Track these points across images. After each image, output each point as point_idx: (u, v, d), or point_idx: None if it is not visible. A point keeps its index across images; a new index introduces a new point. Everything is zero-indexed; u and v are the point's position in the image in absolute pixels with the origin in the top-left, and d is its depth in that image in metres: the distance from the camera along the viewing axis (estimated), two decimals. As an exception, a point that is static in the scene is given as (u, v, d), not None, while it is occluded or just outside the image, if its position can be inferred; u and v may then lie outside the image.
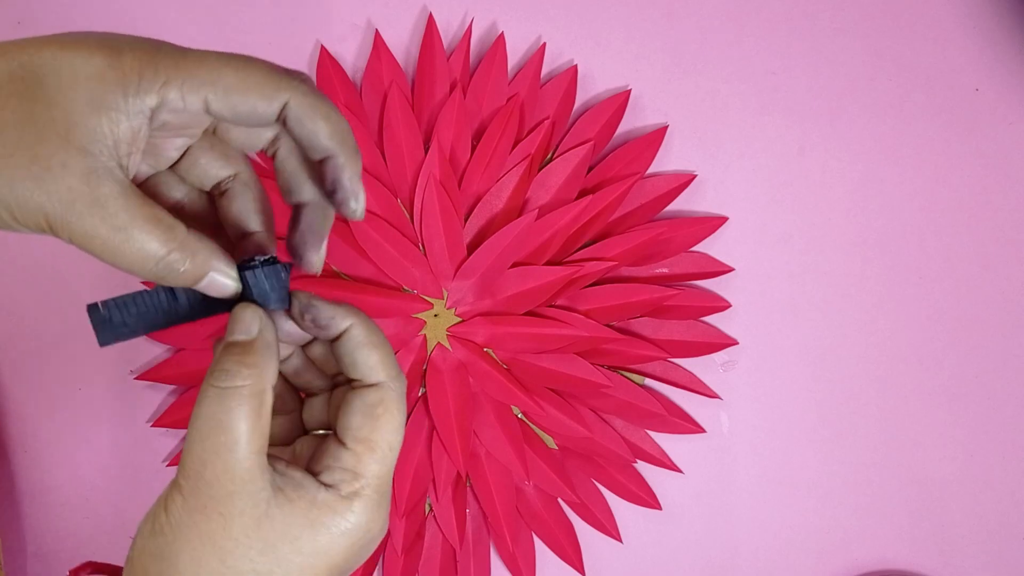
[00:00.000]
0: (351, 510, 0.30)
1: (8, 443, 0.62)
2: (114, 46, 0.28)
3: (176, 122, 0.29)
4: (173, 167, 0.33)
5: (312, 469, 0.31)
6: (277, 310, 0.32)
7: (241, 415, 0.28)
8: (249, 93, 0.29)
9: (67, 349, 0.62)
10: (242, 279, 0.31)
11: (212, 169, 0.33)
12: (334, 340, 0.32)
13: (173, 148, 0.32)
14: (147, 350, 0.62)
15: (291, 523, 0.29)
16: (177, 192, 0.33)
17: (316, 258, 0.33)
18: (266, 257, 0.32)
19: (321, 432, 0.35)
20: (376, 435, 0.30)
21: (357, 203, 0.32)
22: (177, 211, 0.33)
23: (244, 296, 0.31)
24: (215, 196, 0.34)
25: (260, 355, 0.30)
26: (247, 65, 0.29)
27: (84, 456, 0.62)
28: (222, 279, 0.31)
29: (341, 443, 0.30)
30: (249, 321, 0.30)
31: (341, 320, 0.32)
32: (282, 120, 0.30)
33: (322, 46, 0.61)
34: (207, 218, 0.34)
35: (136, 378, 0.61)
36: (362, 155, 0.60)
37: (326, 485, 0.30)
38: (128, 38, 0.28)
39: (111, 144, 0.27)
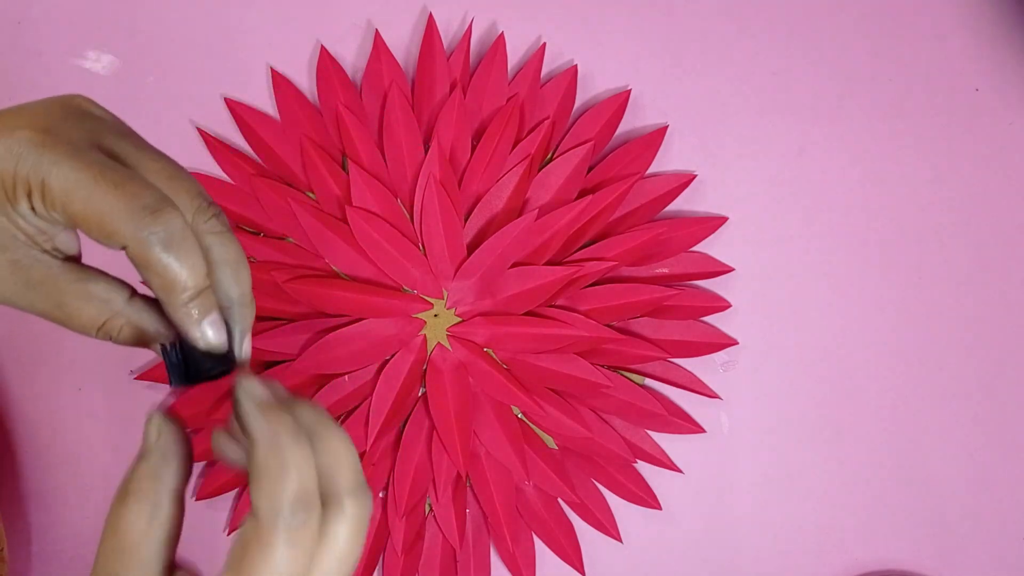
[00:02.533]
0: None
1: (9, 443, 0.62)
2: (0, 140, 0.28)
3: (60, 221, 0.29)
4: None
5: None
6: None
7: (132, 522, 0.28)
8: (90, 227, 0.29)
9: (67, 349, 0.62)
10: (166, 349, 0.31)
11: None
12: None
13: None
14: (147, 350, 0.62)
15: None
16: None
17: (238, 351, 0.33)
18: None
19: None
20: (237, 566, 0.28)
21: (206, 340, 0.31)
22: None
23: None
24: None
25: (156, 465, 0.29)
26: (98, 197, 0.28)
27: (84, 456, 0.62)
28: (161, 343, 0.32)
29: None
30: (150, 432, 0.30)
31: (252, 430, 0.29)
32: None
33: (322, 46, 0.61)
34: None
35: (136, 378, 0.61)
36: (362, 155, 0.60)
37: None
38: (15, 130, 0.28)
39: (24, 237, 0.29)
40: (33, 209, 0.29)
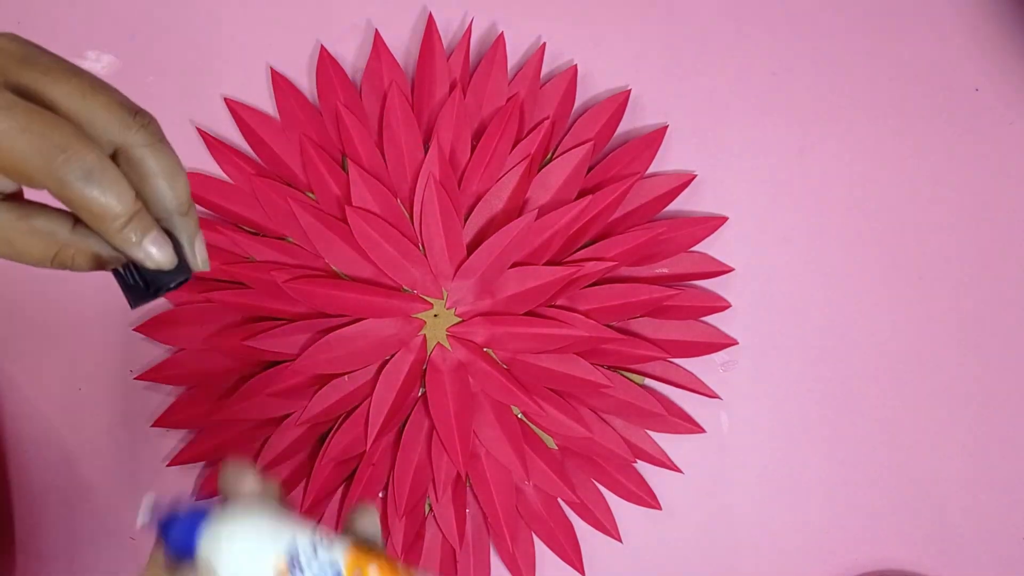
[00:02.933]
0: None
1: (9, 443, 0.62)
2: None
3: None
4: None
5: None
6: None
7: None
8: (9, 174, 0.28)
9: (67, 349, 0.62)
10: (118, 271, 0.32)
11: None
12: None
13: None
14: (147, 350, 0.62)
15: None
16: None
17: (192, 259, 0.32)
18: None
19: None
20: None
21: (150, 260, 0.31)
22: None
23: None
24: None
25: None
26: (9, 142, 0.28)
27: (84, 456, 0.62)
28: (113, 262, 0.31)
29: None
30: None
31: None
32: None
33: (322, 46, 0.61)
34: None
35: (136, 378, 0.61)
36: (362, 155, 0.60)
37: None
38: None
39: None
40: None
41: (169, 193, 0.31)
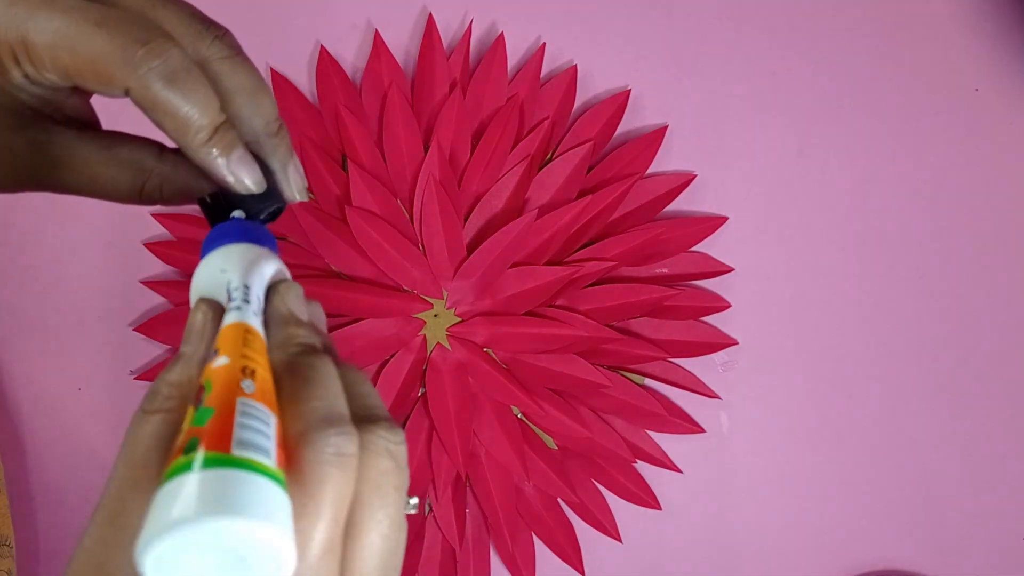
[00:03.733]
0: None
1: (8, 443, 0.62)
2: None
3: (63, 86, 0.26)
4: None
5: None
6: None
7: (154, 449, 0.22)
8: (87, 79, 0.25)
9: (67, 349, 0.62)
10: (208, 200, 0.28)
11: None
12: None
13: None
14: (147, 350, 0.62)
15: None
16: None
17: (286, 187, 0.29)
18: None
19: None
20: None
21: (241, 183, 0.27)
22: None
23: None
24: None
25: (195, 374, 0.24)
26: (83, 40, 0.25)
27: (84, 456, 0.62)
28: (205, 194, 0.28)
29: None
30: (193, 326, 0.25)
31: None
32: None
33: (322, 46, 0.61)
34: None
35: (136, 378, 0.61)
36: (362, 155, 0.60)
37: None
38: None
39: (32, 111, 0.27)
40: (27, 76, 0.26)
41: (255, 111, 0.27)
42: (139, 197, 0.28)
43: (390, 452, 0.23)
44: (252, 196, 0.27)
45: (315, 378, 0.23)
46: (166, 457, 0.22)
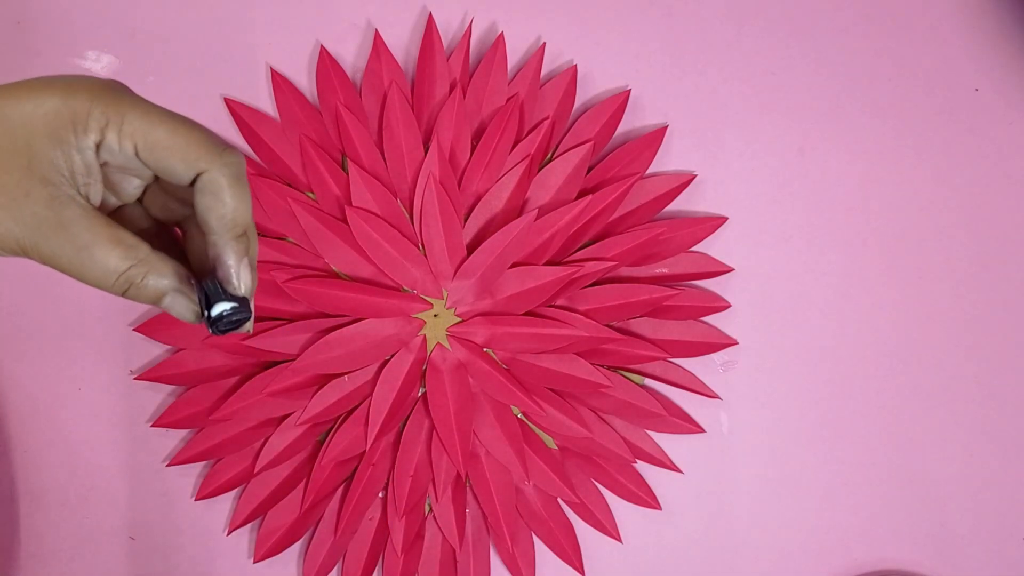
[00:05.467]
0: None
1: (8, 443, 0.62)
2: (71, 87, 0.30)
3: (115, 162, 0.31)
4: (140, 201, 0.35)
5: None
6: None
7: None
8: (173, 153, 0.31)
9: (67, 349, 0.62)
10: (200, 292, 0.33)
11: (172, 207, 0.35)
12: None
13: (132, 186, 0.34)
14: (147, 350, 0.62)
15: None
16: (144, 223, 0.36)
17: (240, 284, 0.34)
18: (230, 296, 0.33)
19: None
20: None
21: (238, 284, 0.33)
22: (145, 238, 0.35)
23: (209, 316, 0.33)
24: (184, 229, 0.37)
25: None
26: (182, 128, 0.31)
27: (84, 456, 0.62)
28: (182, 299, 0.33)
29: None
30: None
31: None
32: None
33: (322, 46, 0.61)
34: (175, 249, 0.36)
35: (136, 378, 0.61)
36: (362, 155, 0.60)
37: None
38: (88, 81, 0.31)
39: (68, 175, 0.30)
40: (98, 146, 0.30)
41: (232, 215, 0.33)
42: (117, 280, 0.31)
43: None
44: (229, 298, 0.33)
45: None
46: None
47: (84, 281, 0.31)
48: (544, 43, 0.62)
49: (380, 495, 0.61)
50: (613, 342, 0.60)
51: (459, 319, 0.60)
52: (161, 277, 0.32)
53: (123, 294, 0.32)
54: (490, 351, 0.61)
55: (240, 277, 0.33)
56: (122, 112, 0.30)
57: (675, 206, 0.62)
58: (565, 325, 0.59)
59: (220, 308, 0.32)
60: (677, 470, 0.62)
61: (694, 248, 0.62)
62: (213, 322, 0.32)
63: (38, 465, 0.62)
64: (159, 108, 0.31)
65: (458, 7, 0.63)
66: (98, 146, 0.31)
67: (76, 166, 0.30)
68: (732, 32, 0.63)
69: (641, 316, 0.61)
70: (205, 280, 0.33)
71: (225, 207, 0.32)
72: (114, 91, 0.31)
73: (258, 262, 0.60)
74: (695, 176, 0.62)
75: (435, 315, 0.60)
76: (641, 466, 0.62)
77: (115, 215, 0.35)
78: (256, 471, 0.59)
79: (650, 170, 0.62)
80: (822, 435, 0.63)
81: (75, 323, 0.62)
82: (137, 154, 0.31)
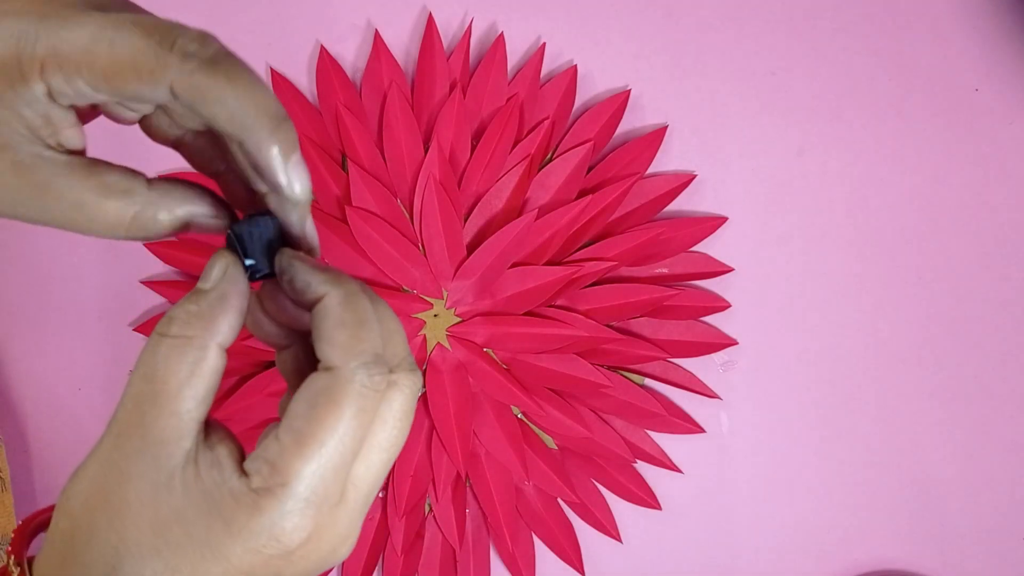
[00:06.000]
0: (257, 508, 0.24)
1: (8, 443, 0.62)
2: None
3: (82, 100, 0.26)
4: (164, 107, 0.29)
5: (249, 453, 0.26)
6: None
7: (172, 369, 0.25)
8: (127, 78, 0.24)
9: (67, 349, 0.62)
10: (231, 235, 0.28)
11: (188, 120, 0.29)
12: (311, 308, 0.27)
13: (127, 111, 0.28)
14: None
15: (188, 503, 0.25)
16: (175, 130, 0.29)
17: (294, 184, 0.27)
18: (256, 213, 0.28)
19: None
20: (310, 429, 0.25)
21: (292, 186, 0.26)
22: (179, 147, 0.30)
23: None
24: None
25: (211, 307, 0.26)
26: (122, 38, 0.24)
27: (84, 456, 0.62)
28: (206, 222, 0.28)
29: (276, 427, 0.26)
30: (211, 266, 0.27)
31: (317, 287, 0.26)
32: None
33: (322, 46, 0.61)
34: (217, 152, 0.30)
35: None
36: (362, 155, 0.60)
37: (242, 472, 0.25)
38: (12, 17, 0.25)
39: (27, 132, 0.26)
40: (50, 91, 0.25)
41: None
42: (126, 228, 0.27)
43: (405, 395, 0.26)
44: (261, 244, 0.27)
45: (365, 319, 0.26)
46: (185, 380, 0.25)
47: (96, 235, 0.27)
48: (544, 43, 0.62)
49: (380, 495, 0.61)
50: (613, 342, 0.60)
51: (459, 319, 0.60)
52: (173, 208, 0.27)
53: (145, 239, 0.28)
54: (490, 351, 0.61)
55: (292, 175, 0.26)
56: (51, 44, 0.24)
57: (675, 206, 0.62)
58: (565, 325, 0.59)
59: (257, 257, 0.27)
60: (677, 470, 0.62)
61: (694, 248, 0.62)
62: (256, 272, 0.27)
63: (39, 465, 0.62)
64: (91, 21, 0.24)
65: (458, 7, 0.63)
66: (47, 94, 0.25)
67: (32, 121, 0.25)
68: (732, 32, 0.63)
69: (641, 316, 0.61)
70: (239, 224, 0.27)
71: (224, 104, 0.24)
72: (36, 17, 0.24)
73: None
74: (695, 176, 0.62)
75: (435, 315, 0.60)
76: (641, 466, 0.62)
77: (143, 124, 0.29)
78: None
79: (650, 170, 0.62)
80: (822, 435, 0.63)
81: (75, 323, 0.62)
82: (94, 92, 0.25)
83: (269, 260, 0.28)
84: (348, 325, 0.26)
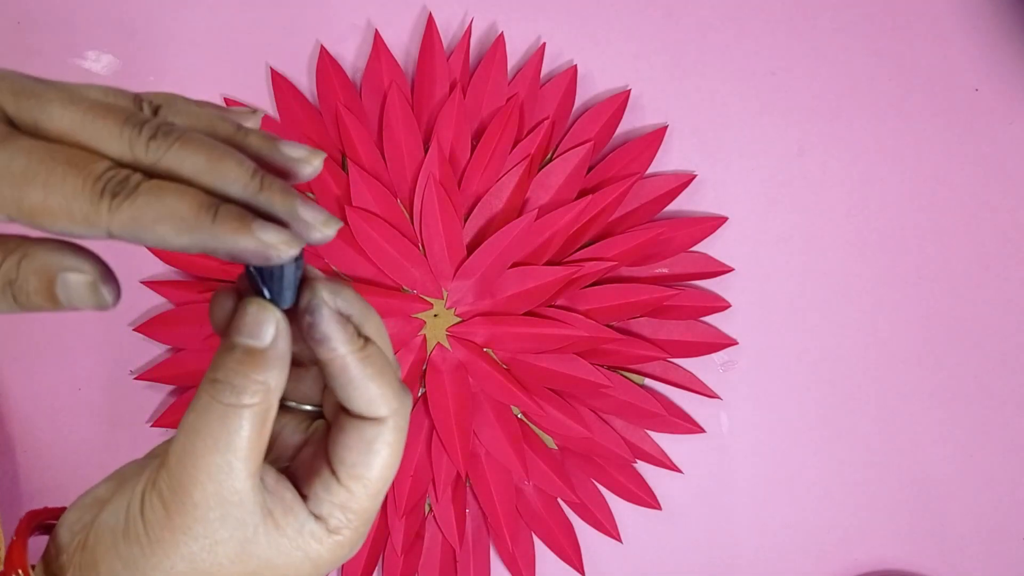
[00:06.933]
0: (336, 543, 0.28)
1: (8, 443, 0.62)
2: None
3: None
4: None
5: (301, 491, 0.28)
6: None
7: (243, 438, 0.25)
8: (57, 221, 0.23)
9: (67, 349, 0.62)
10: (250, 270, 0.26)
11: None
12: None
13: None
14: (147, 350, 0.62)
15: (277, 551, 0.27)
16: None
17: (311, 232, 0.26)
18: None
19: (308, 410, 0.32)
20: (372, 472, 0.28)
21: (318, 229, 0.25)
22: None
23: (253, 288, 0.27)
24: None
25: (272, 369, 0.26)
26: (56, 183, 0.22)
27: (84, 456, 0.62)
28: (76, 277, 0.24)
29: (334, 475, 0.28)
30: (263, 323, 0.26)
31: (339, 346, 0.27)
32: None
33: (322, 46, 0.61)
34: None
35: (136, 378, 0.61)
36: (362, 155, 0.60)
37: (315, 515, 0.28)
38: None
39: None
40: None
41: (225, 182, 0.24)
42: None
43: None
44: (283, 280, 0.26)
45: (389, 364, 0.28)
46: (255, 443, 0.26)
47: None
48: (544, 43, 0.62)
49: (380, 495, 0.61)
50: (613, 342, 0.60)
51: (459, 319, 0.60)
52: (39, 258, 0.24)
53: (16, 304, 0.24)
54: (490, 351, 0.61)
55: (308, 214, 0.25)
56: None
57: (675, 206, 0.62)
58: (565, 325, 0.59)
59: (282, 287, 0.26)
60: (677, 470, 0.62)
61: (694, 248, 0.62)
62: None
63: (38, 465, 0.62)
64: (21, 149, 0.23)
65: (458, 7, 0.63)
66: None
67: None
68: (732, 32, 0.63)
69: (641, 316, 0.61)
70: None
71: (168, 239, 0.23)
72: None
73: (258, 262, 0.60)
74: (695, 176, 0.62)
75: (435, 315, 0.60)
76: (641, 466, 0.62)
77: None
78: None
79: (650, 170, 0.62)
80: (822, 435, 0.63)
81: (75, 323, 0.62)
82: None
83: (288, 294, 0.27)
84: (378, 376, 0.28)
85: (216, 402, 0.25)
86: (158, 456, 0.28)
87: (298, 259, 0.26)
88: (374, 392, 0.27)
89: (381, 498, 0.29)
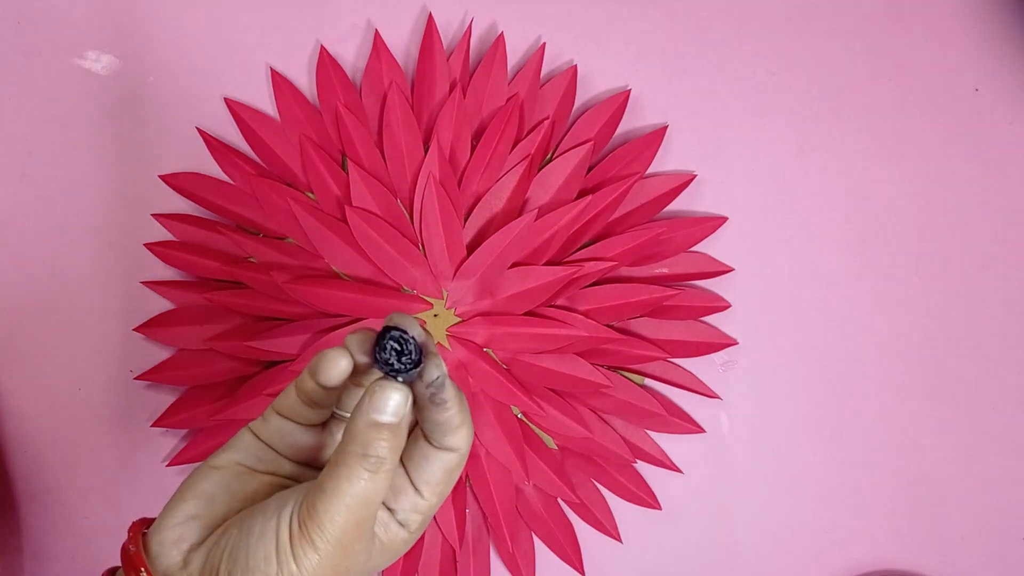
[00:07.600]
0: (413, 542, 0.37)
1: (8, 443, 0.62)
2: None
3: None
4: None
5: (388, 504, 0.36)
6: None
7: (382, 492, 0.33)
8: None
9: (67, 349, 0.62)
10: (377, 354, 0.33)
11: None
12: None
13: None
14: (147, 350, 0.62)
15: (384, 557, 0.36)
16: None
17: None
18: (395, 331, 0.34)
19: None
20: (448, 488, 0.36)
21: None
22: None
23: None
24: None
25: (401, 436, 0.34)
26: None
27: (84, 456, 0.62)
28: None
29: (418, 491, 0.36)
30: (405, 405, 0.33)
31: (453, 408, 0.35)
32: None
33: (322, 46, 0.62)
34: None
35: (136, 378, 0.61)
36: (362, 155, 0.60)
37: (400, 523, 0.36)
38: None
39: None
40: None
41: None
42: None
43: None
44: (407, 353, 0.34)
45: (468, 418, 0.36)
46: (384, 492, 0.34)
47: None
48: (544, 43, 0.62)
49: (380, 495, 0.61)
50: (613, 342, 0.60)
51: (459, 319, 0.60)
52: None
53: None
54: (490, 351, 0.61)
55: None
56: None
57: (675, 206, 0.63)
58: (565, 325, 0.59)
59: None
60: (677, 470, 0.62)
61: (694, 248, 0.62)
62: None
63: (38, 465, 0.62)
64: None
65: (458, 7, 0.63)
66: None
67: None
68: (732, 32, 0.63)
69: (641, 316, 0.61)
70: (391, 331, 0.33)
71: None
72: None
73: (257, 263, 0.60)
74: (695, 176, 0.62)
75: (435, 315, 0.61)
76: (641, 466, 0.62)
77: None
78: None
79: (650, 170, 0.62)
80: (822, 435, 0.63)
81: (75, 323, 0.62)
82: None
83: (414, 372, 0.34)
84: (465, 422, 0.36)
85: (365, 471, 0.33)
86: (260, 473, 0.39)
87: (413, 341, 0.34)
88: (462, 435, 0.36)
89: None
